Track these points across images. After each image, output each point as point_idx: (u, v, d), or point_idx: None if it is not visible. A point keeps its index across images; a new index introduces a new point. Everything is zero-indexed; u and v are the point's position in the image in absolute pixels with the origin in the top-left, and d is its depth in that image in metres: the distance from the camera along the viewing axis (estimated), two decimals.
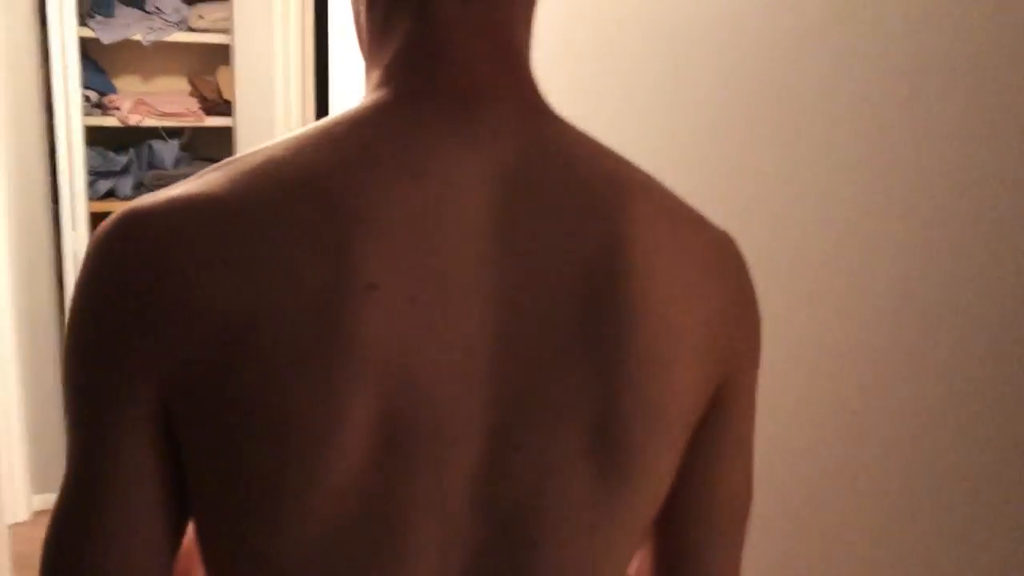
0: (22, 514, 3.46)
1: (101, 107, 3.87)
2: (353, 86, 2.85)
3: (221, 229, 0.52)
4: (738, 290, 0.62)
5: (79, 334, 0.54)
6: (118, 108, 3.84)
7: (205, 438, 0.53)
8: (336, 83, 3.01)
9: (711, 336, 0.59)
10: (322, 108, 3.51)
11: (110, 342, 0.53)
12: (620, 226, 0.56)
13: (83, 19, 3.72)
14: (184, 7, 3.91)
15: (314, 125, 0.57)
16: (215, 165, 0.56)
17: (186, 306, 0.51)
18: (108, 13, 3.79)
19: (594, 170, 0.58)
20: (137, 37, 3.80)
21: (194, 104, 4.01)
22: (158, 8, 3.89)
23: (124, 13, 3.82)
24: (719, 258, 0.62)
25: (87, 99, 3.80)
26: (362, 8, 0.61)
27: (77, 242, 3.63)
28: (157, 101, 3.94)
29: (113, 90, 3.95)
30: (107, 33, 3.76)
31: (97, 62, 3.95)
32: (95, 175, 3.91)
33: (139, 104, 3.88)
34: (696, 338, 0.58)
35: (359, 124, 0.56)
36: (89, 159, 3.85)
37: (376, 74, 0.59)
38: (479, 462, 0.55)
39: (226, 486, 0.53)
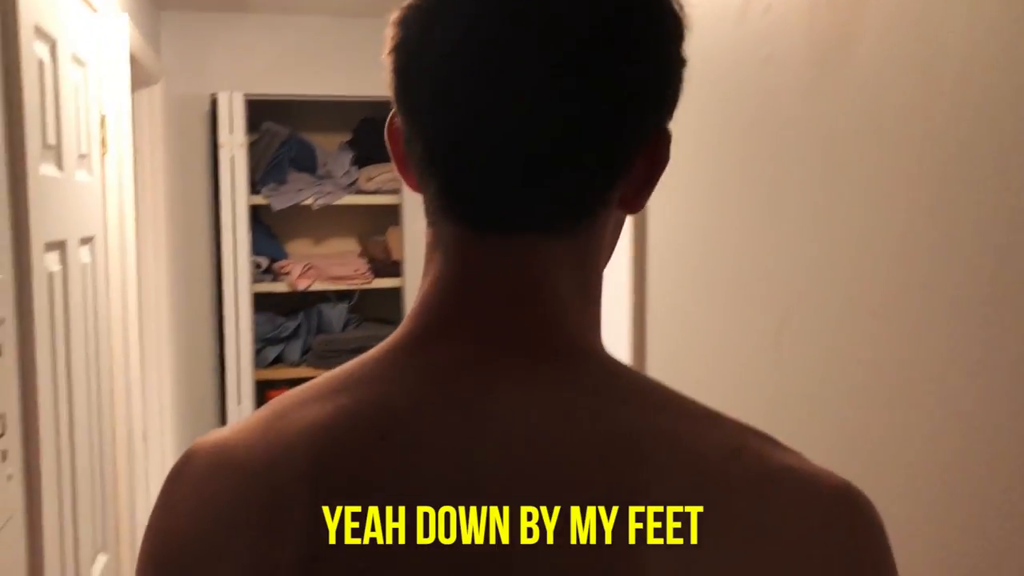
0: None
1: (272, 273, 3.81)
2: None
3: (227, 482, 0.56)
4: (839, 552, 0.51)
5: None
6: (288, 273, 3.77)
7: None
8: None
9: None
10: None
11: (142, 570, 0.59)
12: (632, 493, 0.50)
13: (256, 187, 3.71)
14: (354, 169, 3.84)
15: (353, 363, 0.58)
16: (274, 400, 0.60)
17: (181, 548, 0.56)
18: (281, 179, 3.76)
19: (615, 430, 0.53)
20: (308, 202, 3.74)
21: (363, 266, 3.90)
22: (329, 172, 3.84)
23: (296, 179, 3.78)
24: (797, 517, 0.51)
25: (258, 266, 3.75)
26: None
27: (241, 416, 3.50)
28: (326, 265, 3.84)
29: (284, 255, 3.90)
30: (279, 200, 3.72)
31: (270, 228, 3.92)
32: (263, 342, 3.82)
33: (308, 268, 3.80)
34: None
35: (369, 376, 0.56)
36: (258, 325, 3.77)
37: (416, 299, 0.59)
38: None
39: None
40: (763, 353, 1.34)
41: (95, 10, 2.12)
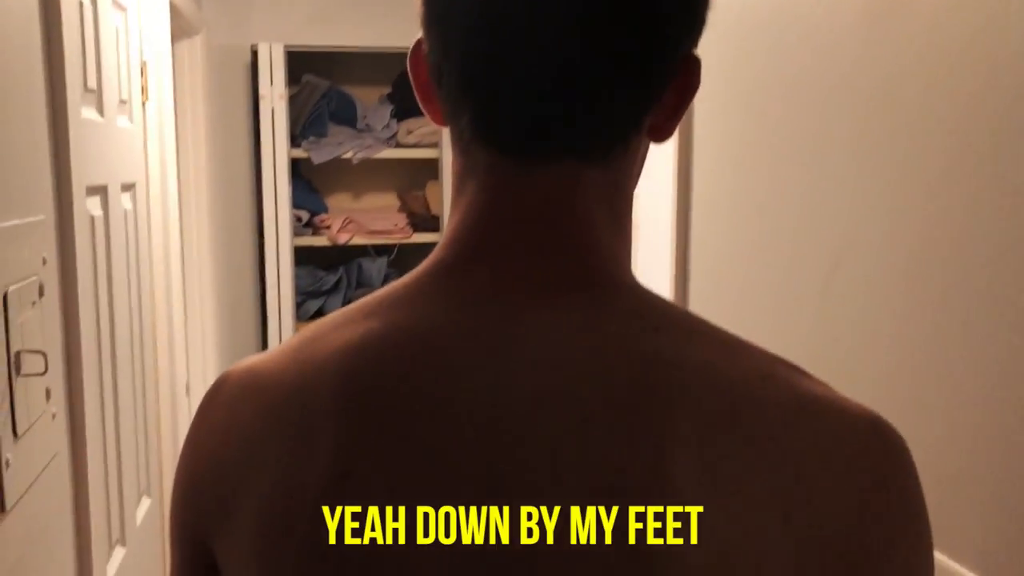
0: None
1: (312, 226, 3.81)
2: None
3: (257, 404, 0.57)
4: (868, 485, 0.51)
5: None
6: (329, 227, 3.77)
7: None
8: None
9: (806, 546, 0.49)
10: None
11: (177, 492, 0.62)
12: (661, 436, 0.49)
13: (296, 140, 3.70)
14: (394, 123, 3.81)
15: (386, 288, 0.58)
16: (307, 327, 0.60)
17: (213, 470, 0.58)
18: (321, 132, 3.75)
19: (647, 355, 0.52)
20: (348, 155, 3.73)
21: (402, 220, 3.89)
22: (368, 125, 3.82)
23: (336, 132, 3.77)
24: (827, 445, 0.51)
25: (298, 219, 3.75)
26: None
27: None
28: (366, 219, 3.84)
29: (324, 209, 3.90)
30: (318, 153, 3.71)
31: (310, 181, 3.92)
32: (304, 295, 3.84)
33: (348, 222, 3.79)
34: (778, 553, 0.48)
35: (400, 301, 0.56)
36: (299, 278, 3.79)
37: (446, 231, 0.59)
38: None
39: None
40: (810, 299, 1.30)
41: None
